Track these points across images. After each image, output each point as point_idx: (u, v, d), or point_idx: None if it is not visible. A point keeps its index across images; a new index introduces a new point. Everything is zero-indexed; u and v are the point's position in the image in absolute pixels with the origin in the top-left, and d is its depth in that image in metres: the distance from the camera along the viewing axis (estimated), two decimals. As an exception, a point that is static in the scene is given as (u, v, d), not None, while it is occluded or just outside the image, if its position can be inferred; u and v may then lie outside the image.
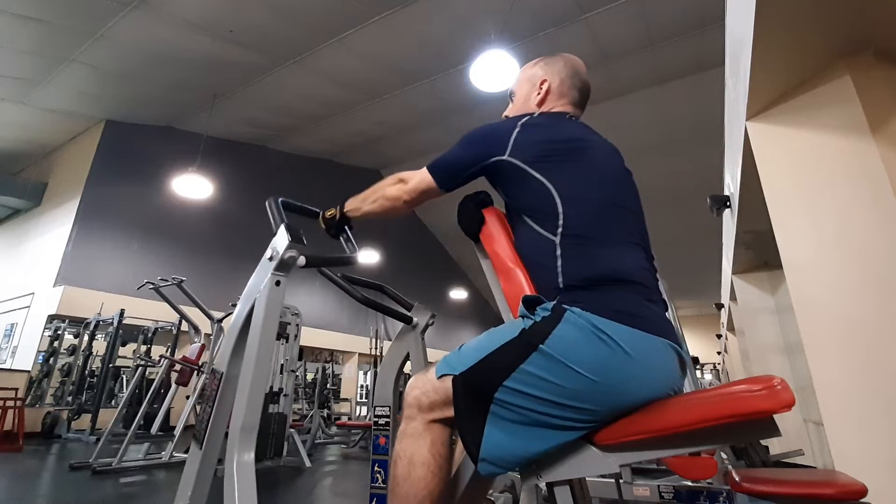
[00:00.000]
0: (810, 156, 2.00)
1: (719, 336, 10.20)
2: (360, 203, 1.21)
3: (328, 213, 1.27)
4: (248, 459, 1.02)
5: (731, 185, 3.35)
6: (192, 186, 6.83)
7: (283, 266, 1.14)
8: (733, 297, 5.32)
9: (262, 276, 1.16)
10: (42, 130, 8.02)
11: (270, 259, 1.14)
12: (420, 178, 1.10)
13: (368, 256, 10.14)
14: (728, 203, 3.55)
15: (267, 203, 1.23)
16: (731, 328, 7.68)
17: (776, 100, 2.12)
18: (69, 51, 6.01)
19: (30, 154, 8.80)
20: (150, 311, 6.79)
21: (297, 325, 5.01)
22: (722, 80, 3.24)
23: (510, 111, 1.21)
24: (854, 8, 1.68)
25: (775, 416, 0.64)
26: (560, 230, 0.91)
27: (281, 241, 1.13)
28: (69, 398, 6.45)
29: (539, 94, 1.16)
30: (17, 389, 5.09)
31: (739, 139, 2.49)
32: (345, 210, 1.24)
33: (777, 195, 2.10)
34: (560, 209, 0.92)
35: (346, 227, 1.29)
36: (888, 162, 1.79)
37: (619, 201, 0.98)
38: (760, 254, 4.21)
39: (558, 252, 0.90)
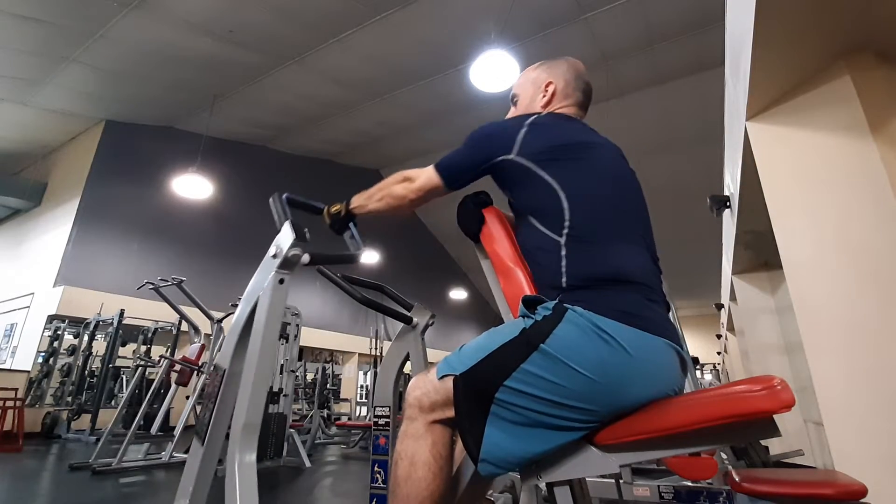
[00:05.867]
0: (810, 156, 2.00)
1: (719, 336, 10.20)
2: (366, 200, 1.21)
3: (333, 209, 1.27)
4: (250, 461, 1.02)
5: (731, 185, 3.34)
6: (192, 186, 6.84)
7: (287, 264, 1.13)
8: (733, 298, 5.31)
9: (265, 273, 1.15)
10: (42, 130, 8.02)
11: (274, 256, 1.13)
12: (427, 177, 1.10)
13: (368, 256, 10.13)
14: (728, 203, 3.54)
15: (271, 199, 1.22)
16: (730, 328, 7.68)
17: (776, 100, 2.12)
18: (69, 51, 6.01)
19: (30, 154, 8.80)
20: (149, 312, 6.80)
21: (297, 325, 5.01)
22: (722, 80, 3.24)
23: (513, 114, 1.20)
24: (854, 8, 1.68)
25: (775, 417, 0.64)
26: (566, 231, 0.91)
27: (285, 238, 1.12)
28: (69, 398, 6.46)
29: (545, 96, 1.16)
30: (16, 389, 5.09)
31: (739, 139, 2.49)
32: (351, 207, 1.24)
33: (777, 195, 2.09)
34: (566, 210, 0.92)
35: (350, 224, 1.29)
36: (888, 162, 1.79)
37: (624, 202, 0.98)
38: (760, 254, 4.20)
39: (563, 252, 0.90)
